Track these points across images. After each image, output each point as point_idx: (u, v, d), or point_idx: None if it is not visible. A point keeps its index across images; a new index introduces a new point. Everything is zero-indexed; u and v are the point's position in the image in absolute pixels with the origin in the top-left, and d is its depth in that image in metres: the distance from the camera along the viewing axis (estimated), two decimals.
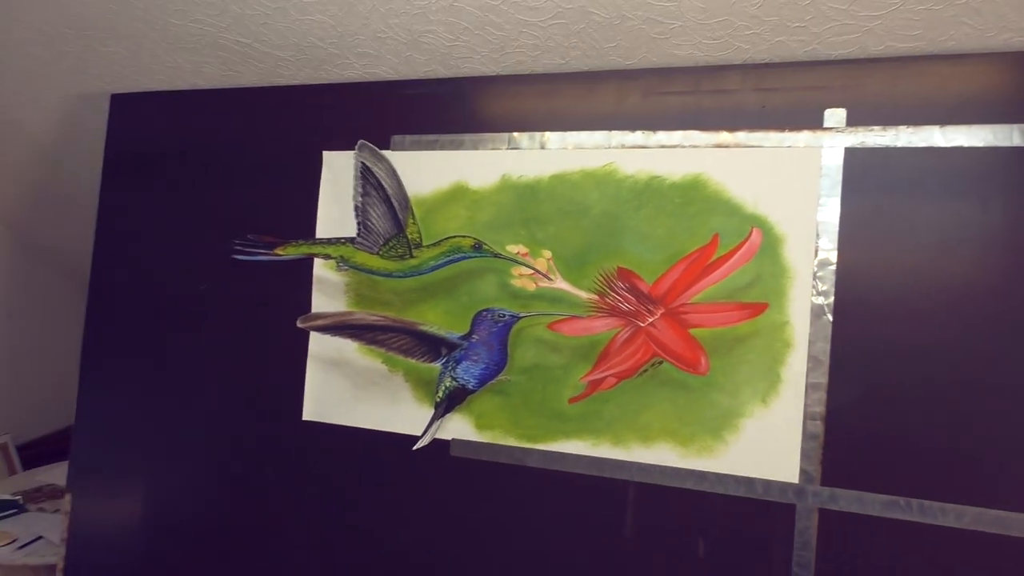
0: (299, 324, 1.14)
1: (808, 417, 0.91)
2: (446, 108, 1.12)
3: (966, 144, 0.86)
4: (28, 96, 1.48)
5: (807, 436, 0.91)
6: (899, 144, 0.89)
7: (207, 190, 1.26)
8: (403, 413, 1.10)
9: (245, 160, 1.24)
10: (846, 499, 0.89)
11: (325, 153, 1.17)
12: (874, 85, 0.92)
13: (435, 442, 1.08)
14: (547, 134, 1.04)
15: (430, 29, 1.06)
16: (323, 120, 1.19)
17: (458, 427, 1.07)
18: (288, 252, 1.17)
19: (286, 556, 1.15)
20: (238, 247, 1.20)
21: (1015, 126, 0.84)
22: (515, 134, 1.06)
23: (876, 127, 0.90)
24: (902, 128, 0.89)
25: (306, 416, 1.16)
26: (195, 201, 1.26)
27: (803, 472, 0.91)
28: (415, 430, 1.08)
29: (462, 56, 1.11)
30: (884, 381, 0.88)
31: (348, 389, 1.14)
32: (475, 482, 1.05)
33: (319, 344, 1.16)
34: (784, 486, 0.91)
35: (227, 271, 1.23)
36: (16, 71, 1.40)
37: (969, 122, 0.87)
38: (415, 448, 1.08)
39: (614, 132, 1.01)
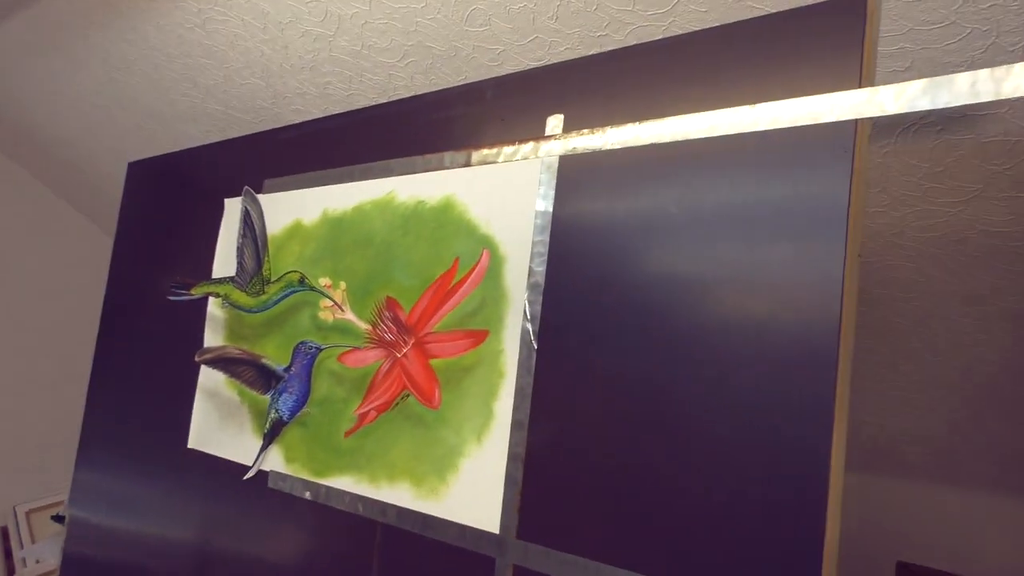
0: (196, 359, 1.55)
1: (511, 459, 1.00)
2: (309, 148, 1.47)
3: (682, 136, 0.92)
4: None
5: (509, 481, 1.00)
6: (608, 146, 0.97)
7: (160, 239, 1.79)
8: (245, 443, 1.42)
9: (194, 210, 1.74)
10: (537, 556, 0.95)
11: (226, 200, 1.61)
12: (588, 84, 1.02)
13: (259, 472, 1.38)
14: (357, 168, 1.32)
15: (322, 79, 1.44)
16: (232, 170, 1.63)
17: (273, 459, 1.35)
18: (197, 291, 1.60)
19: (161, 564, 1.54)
20: (171, 288, 1.68)
21: (732, 110, 0.88)
22: (347, 168, 1.36)
23: (586, 130, 1.00)
24: (609, 128, 0.97)
25: (190, 444, 1.55)
26: (153, 248, 1.81)
27: (502, 523, 0.99)
28: (251, 460, 1.40)
29: (324, 99, 1.46)
30: (582, 420, 0.94)
31: (216, 419, 1.50)
32: (282, 513, 1.32)
33: (205, 376, 1.56)
34: (487, 537, 1.00)
35: (169, 309, 1.72)
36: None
37: (684, 111, 0.92)
38: (244, 478, 1.39)
39: (394, 161, 1.25)
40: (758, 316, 0.80)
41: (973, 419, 1.56)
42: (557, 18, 1.20)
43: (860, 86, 0.76)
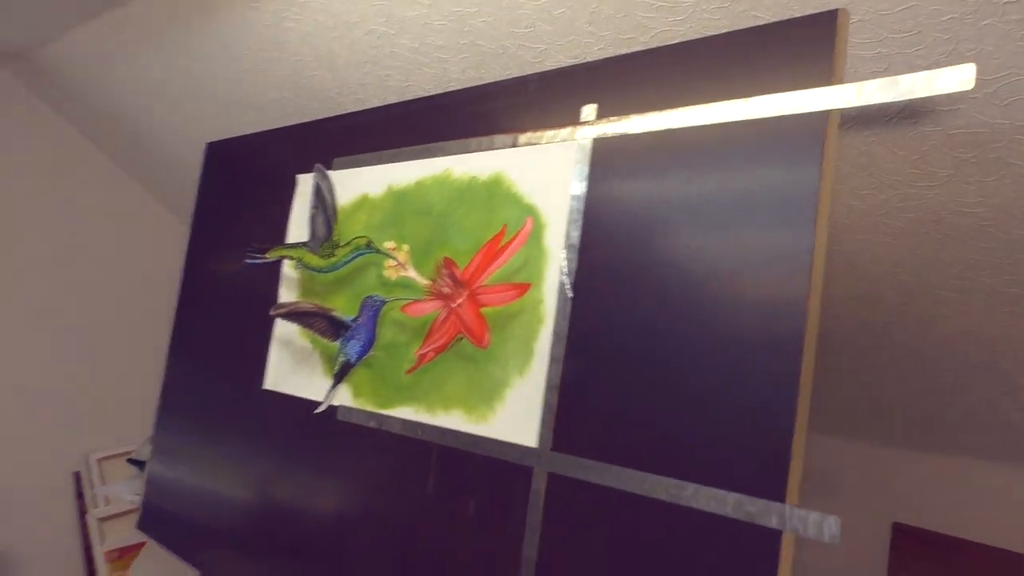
0: (271, 313, 1.79)
1: (548, 388, 1.22)
2: (374, 132, 1.70)
3: (692, 124, 1.13)
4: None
5: (546, 406, 1.22)
6: (634, 131, 1.19)
7: (235, 211, 2.03)
8: (316, 383, 1.66)
9: (266, 186, 1.98)
10: (567, 464, 1.17)
11: (298, 176, 1.84)
12: (619, 79, 1.23)
13: (330, 408, 1.61)
14: (418, 148, 1.55)
15: (383, 72, 1.67)
16: (303, 150, 1.87)
17: (342, 396, 1.59)
18: (272, 255, 1.84)
19: (236, 500, 1.79)
20: (247, 253, 1.92)
21: (730, 102, 1.09)
22: (409, 149, 1.58)
23: (615, 117, 1.21)
24: (635, 116, 1.19)
25: (265, 386, 1.80)
26: (228, 219, 2.05)
27: (540, 439, 1.22)
28: (321, 397, 1.63)
29: (384, 90, 1.69)
30: (606, 355, 1.16)
31: (290, 364, 1.75)
32: (349, 440, 1.56)
33: (280, 328, 1.80)
34: (527, 450, 1.23)
35: (243, 273, 1.96)
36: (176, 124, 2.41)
37: (694, 103, 1.13)
38: (315, 412, 1.63)
39: (450, 142, 1.47)
40: (741, 267, 1.01)
41: (962, 388, 1.75)
42: (591, 22, 1.42)
43: (831, 84, 0.97)
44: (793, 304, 0.96)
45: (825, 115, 0.97)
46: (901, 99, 0.90)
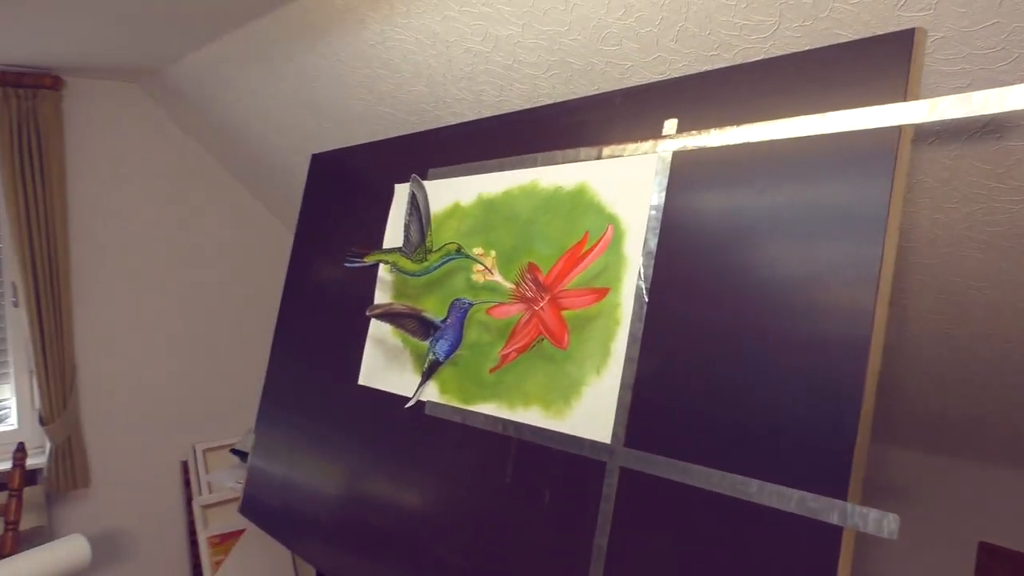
0: (367, 313, 1.92)
1: (622, 387, 1.29)
2: (466, 144, 1.81)
3: (768, 138, 1.18)
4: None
5: (620, 404, 1.28)
6: (712, 144, 1.25)
7: (336, 218, 2.18)
8: (406, 380, 1.77)
9: (366, 194, 2.12)
10: (639, 460, 1.23)
11: (396, 185, 1.97)
12: (700, 95, 1.29)
13: (419, 402, 1.72)
14: (507, 160, 1.64)
15: (477, 87, 1.79)
16: (400, 161, 2.00)
17: (431, 392, 1.70)
18: (369, 259, 1.98)
19: (330, 488, 1.91)
20: (347, 257, 2.06)
21: (806, 117, 1.14)
22: (498, 160, 1.69)
23: (695, 131, 1.28)
24: (714, 130, 1.25)
25: (360, 381, 1.92)
26: (330, 225, 2.21)
27: (613, 435, 1.28)
28: (411, 392, 1.74)
29: (479, 105, 1.80)
30: (679, 357, 1.22)
31: (382, 361, 1.87)
32: (435, 434, 1.66)
33: (374, 327, 1.93)
34: (601, 446, 1.30)
35: (343, 275, 2.11)
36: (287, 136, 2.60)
37: (771, 118, 1.19)
38: (406, 407, 1.74)
39: (538, 154, 1.56)
40: (812, 275, 1.06)
41: None
42: (677, 39, 1.48)
43: (905, 100, 1.01)
44: (860, 312, 1.00)
45: (898, 130, 1.01)
46: (974, 115, 0.94)
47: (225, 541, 3.10)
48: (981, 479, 1.93)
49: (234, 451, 2.95)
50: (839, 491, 0.97)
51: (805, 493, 1.00)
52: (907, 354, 1.81)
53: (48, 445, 2.81)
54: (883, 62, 1.04)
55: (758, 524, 1.05)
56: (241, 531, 3.11)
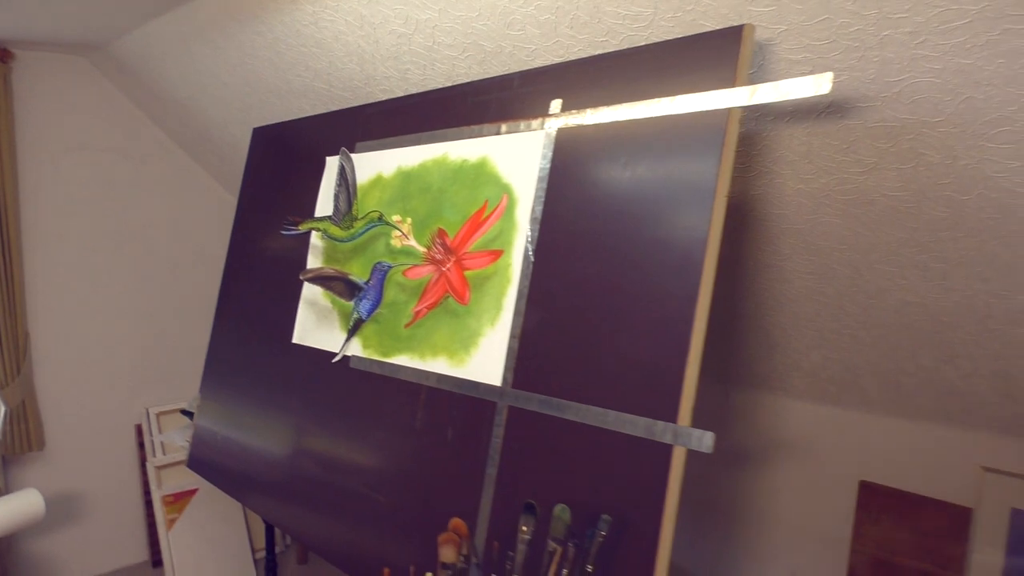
0: (300, 277, 2.09)
1: (512, 336, 1.48)
2: (390, 120, 1.98)
3: (629, 118, 1.37)
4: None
5: (509, 351, 1.48)
6: (588, 123, 1.43)
7: (275, 188, 2.34)
8: (335, 337, 1.95)
9: (302, 166, 2.28)
10: (525, 399, 1.43)
11: (327, 158, 2.14)
12: (581, 78, 1.47)
13: (345, 357, 1.90)
14: (422, 135, 1.82)
15: (403, 67, 1.96)
16: (332, 135, 2.16)
17: (355, 347, 1.88)
18: (303, 227, 2.14)
19: (269, 439, 2.09)
20: (284, 225, 2.22)
21: (668, 99, 1.32)
22: (415, 135, 1.86)
23: (575, 111, 1.46)
24: (589, 110, 1.43)
25: (294, 340, 2.10)
26: (269, 195, 2.36)
27: (503, 378, 1.48)
28: (338, 348, 1.92)
29: (405, 82, 1.97)
30: (559, 308, 1.41)
31: (313, 321, 2.04)
32: (359, 385, 1.84)
33: (307, 290, 2.10)
34: (493, 388, 1.49)
35: (280, 242, 2.27)
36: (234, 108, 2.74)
37: (634, 101, 1.37)
38: (333, 361, 1.92)
39: (449, 130, 1.74)
40: (659, 236, 1.25)
41: (912, 356, 1.94)
42: (572, 26, 1.65)
43: (733, 87, 1.20)
44: (692, 266, 1.19)
45: (727, 112, 1.20)
46: (781, 99, 1.13)
47: (179, 499, 3.26)
48: (861, 424, 2.16)
49: (183, 412, 3.10)
50: (672, 417, 1.17)
51: (648, 419, 1.20)
52: (789, 311, 2.02)
53: (3, 409, 2.95)
54: (718, 53, 1.23)
55: (614, 446, 1.25)
56: (195, 490, 3.28)
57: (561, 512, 1.21)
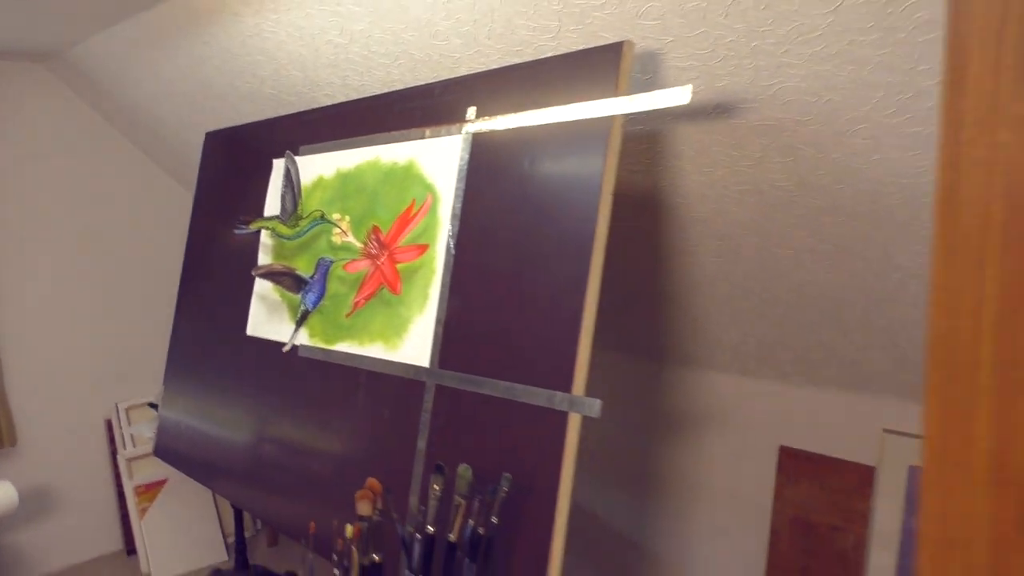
0: (252, 273, 2.24)
1: (437, 322, 1.65)
2: (330, 125, 2.13)
3: (533, 123, 1.53)
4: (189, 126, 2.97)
5: (435, 336, 1.64)
6: (499, 127, 1.60)
7: (227, 189, 2.49)
8: (284, 328, 2.11)
9: (252, 168, 2.43)
10: (450, 378, 1.60)
11: (274, 160, 2.29)
12: (493, 87, 1.64)
13: (294, 347, 2.06)
14: (358, 139, 1.97)
15: (342, 74, 2.11)
16: (278, 139, 2.31)
17: (303, 337, 2.04)
18: (254, 226, 2.29)
19: (228, 425, 2.25)
20: (236, 224, 2.37)
21: (562, 106, 1.49)
22: (351, 139, 2.01)
23: (487, 116, 1.62)
24: (499, 116, 1.60)
25: (248, 332, 2.26)
26: (222, 196, 2.51)
27: (430, 360, 1.65)
28: (287, 338, 2.08)
29: (346, 88, 2.12)
30: (476, 295, 1.58)
31: (265, 314, 2.20)
32: (307, 371, 2.01)
33: (259, 285, 2.25)
34: (422, 369, 1.66)
35: (233, 241, 2.42)
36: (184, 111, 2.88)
37: (537, 107, 1.54)
38: (283, 351, 2.08)
39: (381, 134, 1.90)
40: (557, 230, 1.42)
41: (813, 331, 2.13)
42: (490, 37, 1.81)
43: (615, 96, 1.37)
44: (582, 255, 1.36)
45: (610, 118, 1.37)
46: (654, 107, 1.30)
47: (151, 489, 3.41)
48: (779, 394, 2.35)
49: (151, 405, 3.25)
50: (568, 387, 1.35)
51: (549, 390, 1.38)
52: (707, 293, 2.21)
53: None
54: (604, 66, 1.40)
55: (523, 415, 1.42)
56: (165, 480, 3.42)
57: (464, 471, 1.39)
